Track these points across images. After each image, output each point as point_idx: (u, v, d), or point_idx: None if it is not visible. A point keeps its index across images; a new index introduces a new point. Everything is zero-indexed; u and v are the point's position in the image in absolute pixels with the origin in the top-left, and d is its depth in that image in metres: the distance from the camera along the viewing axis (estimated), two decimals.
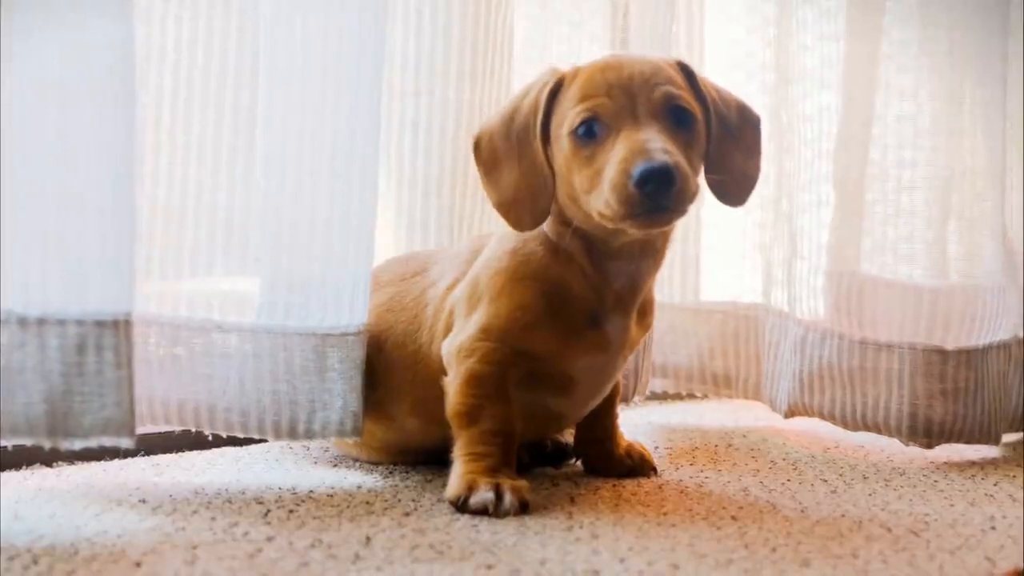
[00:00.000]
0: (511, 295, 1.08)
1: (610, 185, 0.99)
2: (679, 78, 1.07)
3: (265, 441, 1.28)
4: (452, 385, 1.09)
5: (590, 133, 1.02)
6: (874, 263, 1.44)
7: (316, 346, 1.12)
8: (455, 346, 1.09)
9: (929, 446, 1.37)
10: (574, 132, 1.03)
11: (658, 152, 0.97)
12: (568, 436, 1.28)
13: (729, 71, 1.59)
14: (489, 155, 1.09)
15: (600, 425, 1.22)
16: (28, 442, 0.96)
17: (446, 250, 1.24)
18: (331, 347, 1.12)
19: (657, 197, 0.97)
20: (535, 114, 1.07)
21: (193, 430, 1.14)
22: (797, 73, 1.47)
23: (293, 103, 1.11)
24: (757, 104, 1.53)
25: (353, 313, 1.13)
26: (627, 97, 1.02)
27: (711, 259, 1.64)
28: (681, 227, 1.57)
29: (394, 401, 1.16)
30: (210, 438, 1.19)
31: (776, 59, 1.51)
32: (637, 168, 0.97)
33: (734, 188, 1.11)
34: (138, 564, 0.85)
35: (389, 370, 1.16)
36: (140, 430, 1.23)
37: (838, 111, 1.44)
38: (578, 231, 1.08)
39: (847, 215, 1.45)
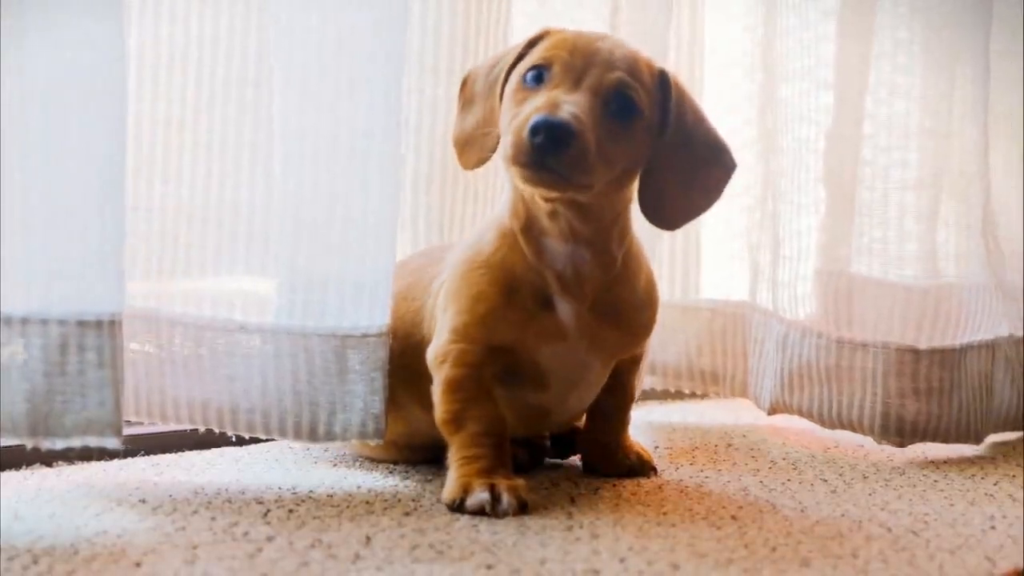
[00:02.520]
0: (467, 288, 1.09)
1: (513, 128, 1.00)
2: (647, 78, 1.06)
3: (268, 441, 1.28)
4: (435, 393, 1.09)
5: (537, 79, 1.04)
6: (855, 262, 1.44)
7: (336, 347, 1.12)
8: (433, 353, 1.10)
9: (901, 445, 1.38)
10: (523, 75, 1.05)
11: (564, 112, 0.98)
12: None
13: (727, 69, 1.59)
14: (469, 93, 1.13)
15: (606, 427, 1.21)
16: (10, 441, 0.97)
17: (457, 244, 1.24)
18: (351, 348, 1.12)
19: (544, 152, 0.97)
20: (509, 60, 1.09)
21: (216, 430, 1.14)
22: (788, 72, 1.46)
23: (310, 100, 1.11)
24: (755, 104, 1.54)
25: (373, 314, 1.13)
26: (583, 63, 1.03)
27: (704, 257, 1.63)
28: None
29: (403, 388, 1.16)
30: (232, 438, 1.18)
31: (764, 58, 1.51)
32: (535, 117, 0.98)
33: (669, 212, 1.11)
34: (138, 564, 0.85)
35: (400, 357, 1.16)
36: (144, 430, 1.24)
37: (828, 110, 1.44)
38: (521, 205, 1.08)
39: (832, 214, 1.44)
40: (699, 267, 1.61)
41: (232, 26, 1.14)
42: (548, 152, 0.97)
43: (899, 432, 1.37)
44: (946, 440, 1.38)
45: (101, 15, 0.97)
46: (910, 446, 1.39)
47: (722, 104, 1.58)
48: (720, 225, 1.62)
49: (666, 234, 1.55)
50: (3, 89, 0.94)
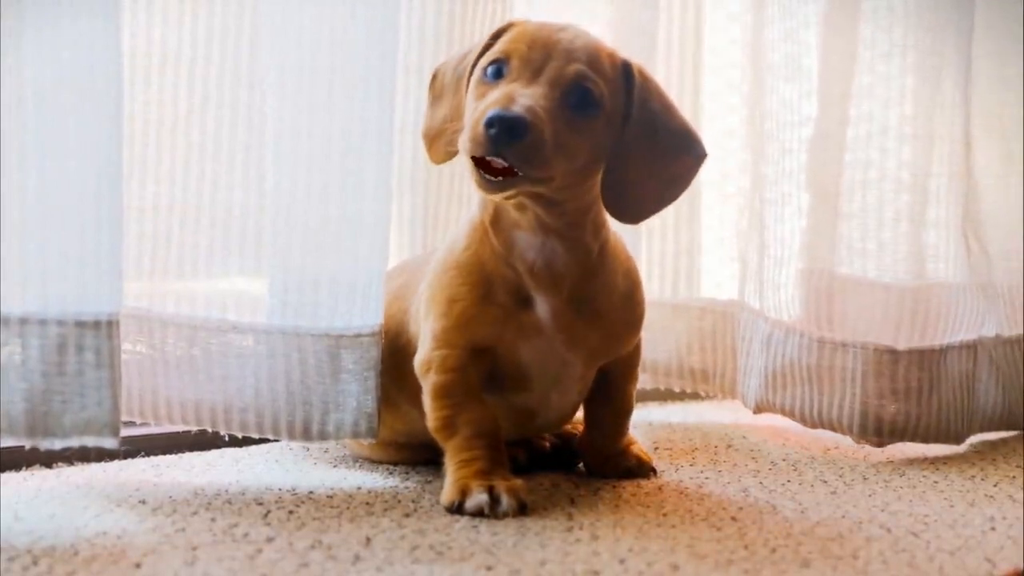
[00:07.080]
0: (442, 290, 1.09)
1: (470, 122, 1.00)
2: (608, 69, 1.06)
3: (266, 441, 1.28)
4: (425, 401, 1.09)
5: (496, 74, 1.04)
6: (836, 262, 1.44)
7: (329, 347, 1.12)
8: (419, 361, 1.10)
9: (880, 445, 1.38)
10: (484, 69, 1.05)
11: (520, 106, 0.98)
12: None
13: (725, 69, 1.59)
14: (439, 87, 1.13)
15: (604, 436, 1.21)
16: (8, 441, 0.97)
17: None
18: (344, 348, 1.12)
19: (498, 144, 0.97)
20: (476, 53, 1.09)
21: (209, 430, 1.14)
22: (781, 75, 1.46)
23: (303, 101, 1.11)
24: (750, 104, 1.54)
25: (366, 313, 1.13)
26: (542, 55, 1.03)
27: (702, 257, 1.63)
28: (659, 225, 1.57)
29: (397, 388, 1.16)
30: (226, 438, 1.18)
31: (759, 60, 1.51)
32: (490, 111, 0.98)
33: (632, 204, 1.09)
34: (138, 564, 0.85)
35: (392, 357, 1.16)
36: (144, 431, 1.24)
37: (813, 113, 1.44)
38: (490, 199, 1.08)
39: (814, 214, 1.44)
40: (693, 266, 1.61)
41: (225, 27, 1.14)
42: (502, 143, 0.97)
43: (877, 432, 1.37)
44: (925, 440, 1.38)
45: (99, 15, 0.97)
46: (911, 447, 1.39)
47: (722, 104, 1.58)
48: (719, 225, 1.62)
49: (657, 232, 1.55)
50: (1, 89, 0.94)
